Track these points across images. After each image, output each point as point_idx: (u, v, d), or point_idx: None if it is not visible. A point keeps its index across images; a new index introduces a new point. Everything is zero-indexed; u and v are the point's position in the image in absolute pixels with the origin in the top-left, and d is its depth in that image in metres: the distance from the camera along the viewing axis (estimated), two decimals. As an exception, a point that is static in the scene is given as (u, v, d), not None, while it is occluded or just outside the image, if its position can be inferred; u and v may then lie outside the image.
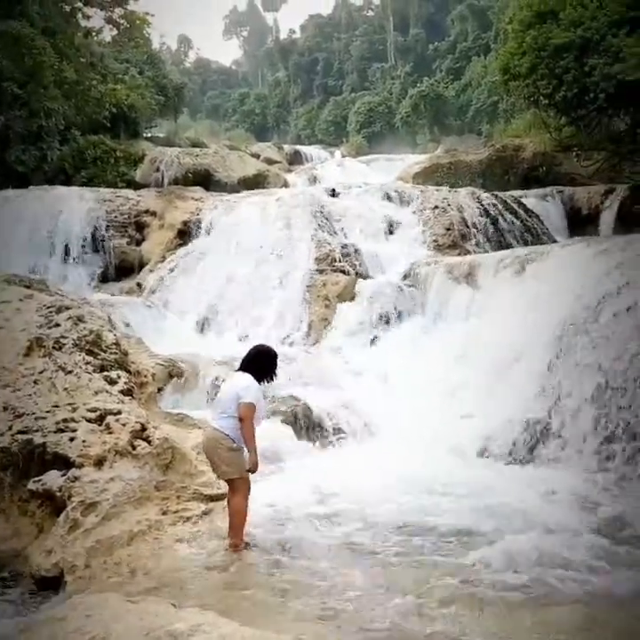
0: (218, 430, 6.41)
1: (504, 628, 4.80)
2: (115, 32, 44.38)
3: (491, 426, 9.86)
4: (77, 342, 8.80)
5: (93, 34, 39.53)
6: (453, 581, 5.61)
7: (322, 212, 17.07)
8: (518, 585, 5.51)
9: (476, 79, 57.29)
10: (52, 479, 6.90)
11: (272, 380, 6.83)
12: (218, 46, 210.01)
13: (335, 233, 16.62)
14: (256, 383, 6.54)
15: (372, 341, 13.66)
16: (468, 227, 16.73)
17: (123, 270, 17.38)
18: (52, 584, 6.13)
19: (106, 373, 8.53)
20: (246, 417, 6.31)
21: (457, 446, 9.79)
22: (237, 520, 6.32)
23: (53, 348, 8.65)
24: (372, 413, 10.98)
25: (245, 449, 6.36)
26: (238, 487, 6.38)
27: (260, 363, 6.71)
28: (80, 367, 8.46)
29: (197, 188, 20.79)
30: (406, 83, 66.81)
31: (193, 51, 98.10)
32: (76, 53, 32.21)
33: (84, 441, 7.17)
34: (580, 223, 21.93)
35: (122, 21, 43.82)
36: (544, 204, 21.82)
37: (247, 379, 6.54)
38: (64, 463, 7.10)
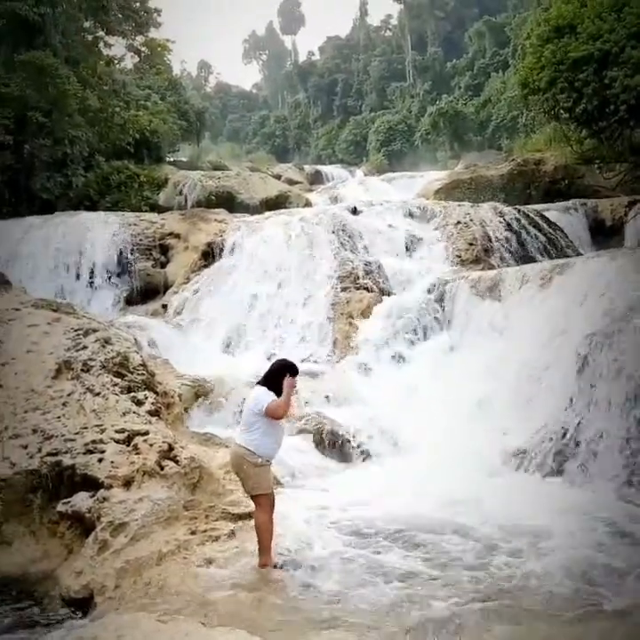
0: (242, 446, 6.36)
1: None
2: (136, 59, 45.29)
3: (520, 441, 9.77)
4: (105, 364, 8.89)
5: (115, 62, 40.30)
6: (493, 602, 5.50)
7: (344, 230, 17.07)
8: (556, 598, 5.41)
9: (495, 95, 57.32)
10: (81, 500, 6.95)
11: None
12: (238, 70, 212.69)
13: (357, 250, 16.61)
14: (264, 388, 6.50)
15: (397, 358, 13.58)
16: (490, 241, 16.65)
17: (148, 292, 17.52)
18: (82, 605, 6.15)
19: (133, 394, 8.61)
20: (275, 408, 6.32)
21: (486, 462, 9.70)
22: (264, 538, 6.25)
23: (81, 370, 8.76)
24: (399, 430, 10.95)
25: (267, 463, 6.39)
26: (261, 503, 6.34)
27: (272, 374, 6.65)
28: (108, 389, 8.54)
29: (220, 209, 20.93)
30: (425, 101, 67.08)
31: (213, 75, 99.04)
32: (99, 81, 32.79)
33: (112, 462, 7.22)
34: (605, 235, 21.77)
35: (143, 48, 44.65)
36: (567, 216, 21.70)
37: (256, 390, 6.58)
38: (93, 484, 7.16)
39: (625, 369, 8.83)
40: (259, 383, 6.68)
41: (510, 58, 56.68)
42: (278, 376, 6.57)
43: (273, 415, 6.37)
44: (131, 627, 4.03)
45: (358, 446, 10.34)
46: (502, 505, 8.02)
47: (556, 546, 6.49)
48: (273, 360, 7.29)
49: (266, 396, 6.43)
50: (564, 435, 9.05)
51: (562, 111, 19.72)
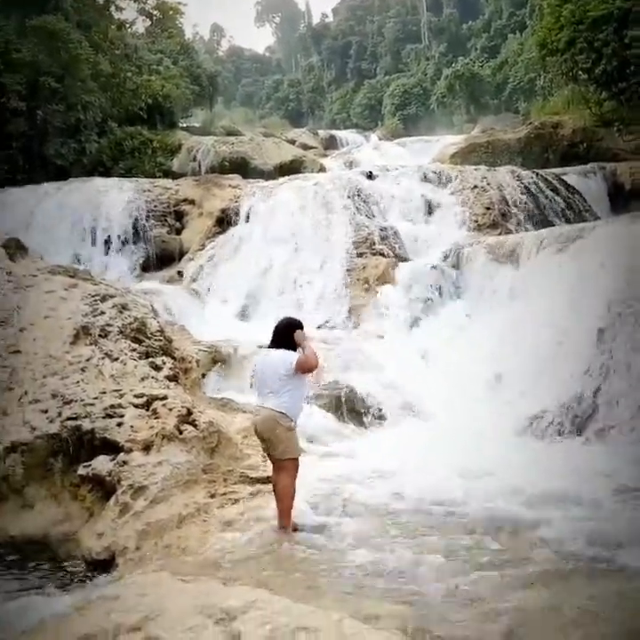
0: (274, 410, 6.22)
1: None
2: (148, 23, 44.89)
3: (537, 407, 9.75)
4: (122, 330, 8.93)
5: (127, 26, 39.94)
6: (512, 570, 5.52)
7: (359, 196, 16.97)
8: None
9: (512, 57, 56.37)
10: (102, 464, 7.02)
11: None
12: (250, 34, 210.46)
13: (373, 216, 16.52)
14: (281, 350, 6.41)
15: (414, 324, 13.56)
16: (508, 205, 16.49)
17: (163, 259, 17.52)
18: (103, 566, 6.24)
19: (151, 360, 8.65)
20: (305, 361, 6.25)
21: (504, 427, 9.70)
22: (286, 503, 6.22)
23: (99, 335, 8.79)
24: (416, 397, 10.95)
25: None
26: (289, 468, 6.26)
27: (285, 334, 6.50)
28: (126, 354, 8.58)
29: (235, 175, 20.79)
30: (441, 63, 66.09)
31: (225, 39, 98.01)
32: (111, 46, 32.58)
33: (131, 426, 7.27)
34: (623, 199, 21.49)
35: (154, 12, 44.26)
36: (585, 180, 21.37)
37: (275, 353, 6.43)
38: (112, 448, 7.22)
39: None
40: (271, 347, 6.55)
41: (527, 19, 55.62)
42: (288, 335, 6.46)
43: (307, 368, 6.29)
44: (153, 585, 4.09)
45: (376, 412, 10.35)
46: (521, 470, 8.01)
47: (578, 512, 6.47)
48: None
49: (290, 356, 6.33)
50: (583, 399, 9.02)
51: (581, 72, 19.43)
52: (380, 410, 10.46)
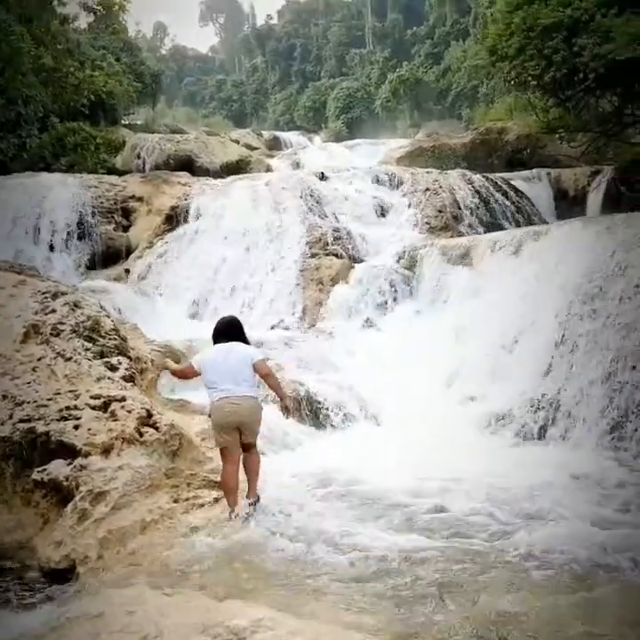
0: (252, 397, 6.63)
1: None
2: (91, 18, 43.94)
3: (496, 407, 9.75)
4: (75, 328, 8.57)
5: (70, 20, 38.99)
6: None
7: (312, 196, 16.82)
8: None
9: (455, 64, 57.09)
10: (58, 468, 6.69)
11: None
12: (194, 33, 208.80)
13: (326, 216, 16.38)
14: (242, 344, 6.92)
15: (369, 325, 13.46)
16: (459, 208, 16.56)
17: (109, 257, 16.99)
18: (62, 576, 5.92)
19: (106, 360, 8.31)
20: (270, 369, 6.91)
21: (461, 428, 9.66)
22: (255, 477, 6.73)
23: (51, 334, 8.42)
24: (373, 397, 10.81)
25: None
26: (255, 445, 6.77)
27: (241, 330, 7.08)
28: (79, 354, 8.24)
29: (184, 172, 20.38)
30: (385, 68, 66.46)
31: (168, 37, 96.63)
32: (53, 40, 31.71)
33: (89, 429, 6.96)
34: (567, 205, 21.88)
35: (98, 8, 43.31)
36: (531, 185, 21.72)
37: (244, 347, 6.92)
38: (69, 452, 6.89)
39: (607, 333, 8.83)
40: (224, 341, 6.91)
41: (471, 26, 56.42)
42: (238, 330, 7.04)
43: (266, 371, 6.83)
44: (138, 602, 3.80)
45: (333, 414, 10.19)
46: (482, 471, 7.97)
47: (548, 511, 6.43)
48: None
49: (251, 350, 6.95)
50: (544, 400, 9.03)
51: (530, 79, 19.54)
52: (338, 411, 10.30)
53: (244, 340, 7.00)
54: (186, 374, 7.19)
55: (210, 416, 6.87)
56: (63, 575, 5.90)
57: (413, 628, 3.98)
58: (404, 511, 6.74)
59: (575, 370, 8.96)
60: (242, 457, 6.71)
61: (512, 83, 21.61)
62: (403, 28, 70.79)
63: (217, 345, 6.94)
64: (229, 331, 7.00)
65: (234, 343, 6.84)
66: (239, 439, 6.59)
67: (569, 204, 21.90)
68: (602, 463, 7.80)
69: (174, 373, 7.36)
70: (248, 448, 6.70)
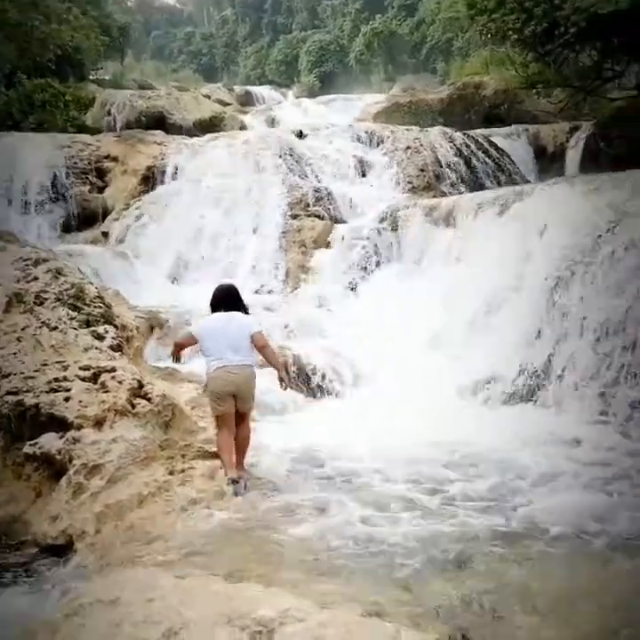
0: (249, 365, 6.59)
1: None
2: (55, -32, 42.45)
3: (483, 371, 9.71)
4: (59, 296, 8.40)
5: (32, -30, 37.61)
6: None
7: (291, 155, 16.56)
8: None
9: (429, 16, 56.15)
10: (50, 442, 6.58)
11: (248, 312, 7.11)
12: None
13: (306, 176, 16.16)
14: (239, 313, 6.85)
15: (352, 287, 13.38)
16: (441, 167, 16.41)
17: (85, 219, 16.60)
18: (59, 551, 5.85)
19: (93, 329, 8.17)
20: (266, 341, 6.81)
21: (449, 393, 9.64)
22: (246, 449, 6.69)
23: (34, 303, 8.24)
24: (359, 362, 10.76)
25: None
26: (248, 416, 6.77)
27: (239, 298, 6.97)
28: (65, 323, 8.08)
29: (158, 131, 19.92)
30: (357, 20, 65.24)
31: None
32: (16, -7, 30.60)
33: (80, 401, 6.84)
34: (546, 162, 21.78)
35: (62, -44, 41.84)
36: (511, 142, 21.57)
37: (243, 316, 6.84)
38: (60, 425, 6.77)
39: (596, 295, 8.81)
40: (223, 309, 6.80)
41: (445, -23, 55.39)
42: (236, 298, 6.93)
43: (263, 343, 6.72)
44: (154, 587, 3.71)
45: (321, 380, 10.14)
46: (473, 437, 7.95)
47: (538, 479, 6.46)
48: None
49: (250, 321, 6.85)
50: (533, 364, 9.04)
51: (510, 32, 19.25)
52: (325, 377, 10.25)
53: (243, 308, 6.96)
54: (185, 345, 7.05)
55: (206, 386, 6.82)
56: (60, 550, 5.83)
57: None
58: (410, 488, 6.64)
59: (564, 333, 8.95)
60: (236, 429, 6.64)
61: (490, 36, 21.29)
62: (375, -21, 69.45)
63: (215, 313, 6.86)
64: (227, 299, 6.90)
65: (233, 312, 6.79)
66: (234, 406, 6.57)
67: (548, 161, 21.82)
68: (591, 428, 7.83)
69: (179, 346, 7.07)
70: (242, 418, 6.67)
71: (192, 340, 6.86)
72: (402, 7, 63.13)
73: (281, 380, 6.83)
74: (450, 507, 6.08)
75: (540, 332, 9.29)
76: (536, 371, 8.97)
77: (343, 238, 14.25)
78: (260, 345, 6.66)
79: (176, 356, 7.13)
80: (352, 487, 6.56)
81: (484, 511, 5.93)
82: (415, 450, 7.61)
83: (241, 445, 6.62)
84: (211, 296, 7.01)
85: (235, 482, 6.24)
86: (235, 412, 6.58)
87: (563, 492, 6.16)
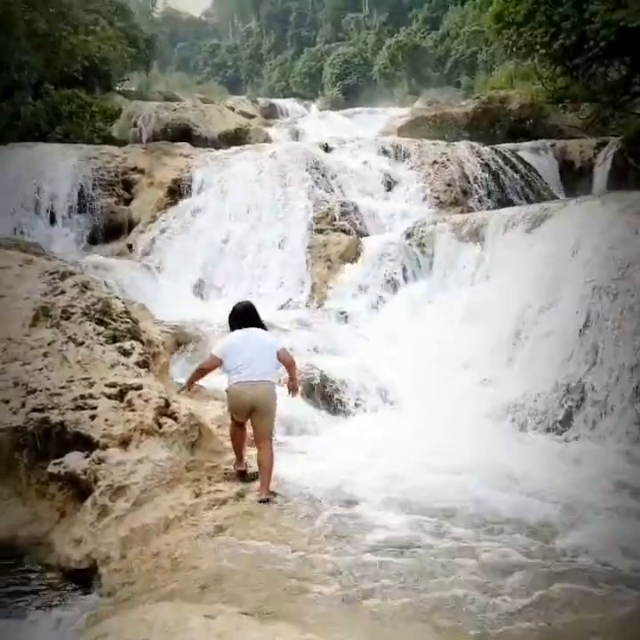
0: (270, 382, 6.65)
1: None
2: (82, -19, 42.89)
3: (515, 394, 9.50)
4: (86, 311, 8.29)
5: (61, -18, 37.96)
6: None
7: (317, 168, 16.44)
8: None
9: (454, 29, 56.20)
10: (75, 461, 6.46)
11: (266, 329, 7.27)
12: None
13: (332, 190, 16.04)
14: (263, 331, 7.06)
15: (379, 304, 13.19)
16: (469, 182, 16.22)
17: (111, 231, 16.61)
18: (83, 576, 5.72)
19: (119, 344, 8.05)
20: (293, 359, 7.01)
21: (479, 415, 9.42)
22: (271, 470, 6.55)
23: (61, 317, 8.14)
24: (388, 381, 10.56)
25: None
26: (270, 438, 6.70)
27: (257, 315, 7.09)
28: (91, 338, 7.97)
29: (184, 143, 19.92)
30: (382, 33, 65.46)
31: (161, 1, 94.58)
32: (45, 3, 30.86)
33: (106, 419, 6.72)
34: (573, 177, 21.53)
35: (90, -31, 42.25)
36: (537, 157, 21.36)
37: (266, 334, 7.06)
38: (86, 443, 6.66)
39: (632, 319, 8.58)
40: (243, 326, 6.92)
41: (470, -9, 55.34)
42: (255, 316, 7.07)
43: (290, 361, 6.90)
44: (185, 630, 3.55)
45: (348, 399, 9.96)
46: (506, 465, 7.72)
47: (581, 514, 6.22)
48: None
49: (274, 339, 7.17)
50: (567, 389, 8.80)
51: (538, 46, 19.09)
52: (353, 396, 10.07)
53: (261, 325, 7.07)
54: (211, 368, 6.96)
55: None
56: (84, 575, 5.70)
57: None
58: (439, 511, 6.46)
59: (600, 355, 8.72)
60: (256, 453, 6.71)
61: (518, 50, 21.13)
62: (400, -8, 69.59)
63: (235, 331, 6.93)
64: (246, 316, 7.02)
65: (252, 329, 6.90)
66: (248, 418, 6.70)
67: (575, 177, 21.57)
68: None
69: (202, 373, 7.09)
70: (260, 438, 6.64)
71: (216, 362, 6.83)
72: (426, 20, 63.26)
73: (294, 389, 7.03)
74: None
75: (572, 354, 9.05)
76: (570, 395, 8.73)
77: (369, 253, 14.09)
78: (287, 362, 6.85)
79: (189, 386, 7.24)
80: (382, 518, 6.35)
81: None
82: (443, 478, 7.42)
83: (264, 467, 6.55)
84: (229, 314, 7.14)
85: (242, 473, 6.68)
86: (254, 428, 6.67)
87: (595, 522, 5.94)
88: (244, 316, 7.01)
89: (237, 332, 6.89)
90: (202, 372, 7.07)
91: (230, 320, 7.12)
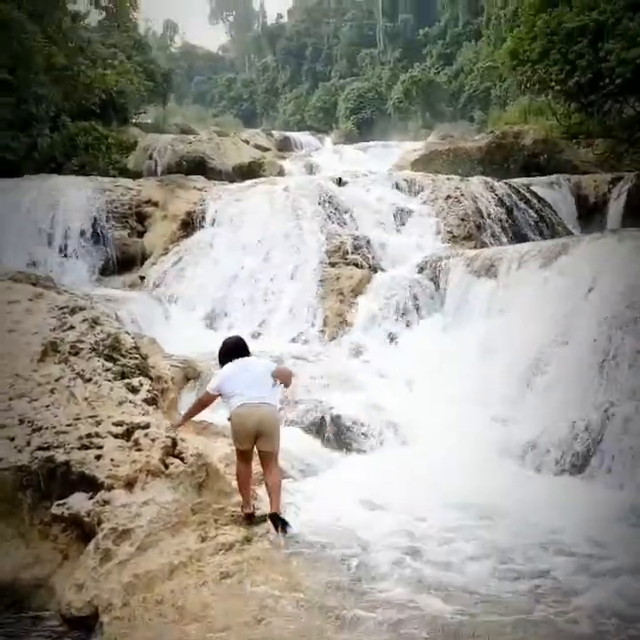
0: (273, 405, 6.68)
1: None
2: (102, 16, 43.64)
3: (529, 433, 9.30)
4: (95, 347, 8.21)
5: (80, 18, 38.62)
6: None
7: (330, 202, 16.40)
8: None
9: (467, 65, 56.70)
10: (79, 503, 6.31)
11: None
12: (204, 31, 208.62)
13: (345, 224, 15.97)
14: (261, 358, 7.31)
15: (392, 339, 13.04)
16: (482, 217, 16.13)
17: (124, 263, 16.60)
18: (84, 624, 5.54)
19: (127, 381, 7.94)
20: (289, 370, 7.27)
21: (496, 455, 9.22)
22: (279, 492, 6.55)
23: (69, 352, 8.07)
24: (400, 418, 10.38)
25: None
26: (276, 459, 6.69)
27: (248, 349, 7.15)
28: (99, 374, 7.87)
29: (199, 176, 20.02)
30: (396, 68, 66.12)
31: (178, 35, 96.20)
32: (65, 38, 31.36)
33: (112, 459, 6.57)
34: (587, 213, 21.39)
35: (109, 5, 43.01)
36: (552, 192, 21.20)
37: (258, 359, 7.22)
38: (90, 484, 6.50)
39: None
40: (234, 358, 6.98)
41: (483, 27, 55.87)
42: (245, 348, 7.15)
43: (289, 379, 6.95)
44: None
45: (360, 437, 9.77)
46: (522, 509, 7.53)
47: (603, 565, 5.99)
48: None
49: (267, 362, 7.21)
50: (584, 429, 8.59)
51: (553, 83, 19.15)
52: (365, 434, 9.89)
53: (248, 354, 7.15)
54: (207, 404, 7.07)
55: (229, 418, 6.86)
56: (85, 623, 5.52)
57: None
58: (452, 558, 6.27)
59: (617, 395, 8.52)
60: (264, 475, 6.72)
61: (533, 86, 21.22)
62: (414, 28, 70.35)
63: (227, 365, 6.97)
64: (237, 350, 7.09)
65: (245, 358, 7.00)
66: (253, 445, 6.63)
67: (589, 212, 21.38)
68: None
69: (198, 409, 7.22)
70: (266, 462, 6.64)
71: (211, 397, 6.92)
72: (440, 56, 63.85)
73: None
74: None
75: (589, 394, 8.85)
76: (587, 436, 8.51)
77: (382, 288, 13.97)
78: (284, 374, 6.92)
79: (183, 422, 7.40)
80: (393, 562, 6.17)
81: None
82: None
83: (272, 490, 6.53)
84: (219, 349, 7.21)
85: (249, 516, 6.49)
86: (260, 452, 6.65)
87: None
88: (234, 351, 7.08)
89: (229, 365, 6.94)
90: (197, 409, 7.17)
91: (220, 356, 7.19)
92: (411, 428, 10.26)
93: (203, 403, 7.05)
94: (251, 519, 6.54)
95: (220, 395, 6.83)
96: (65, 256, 16.38)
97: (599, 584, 5.58)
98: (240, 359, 6.92)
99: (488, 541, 6.64)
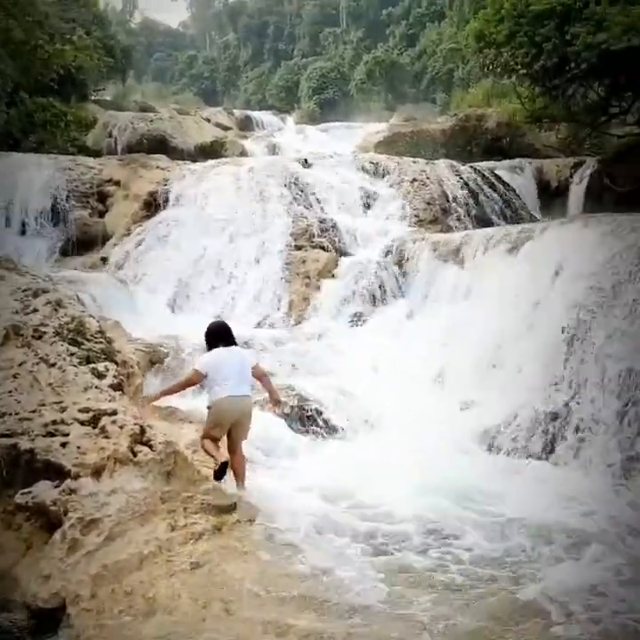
0: (249, 396, 7.13)
1: None
2: (61, -11, 42.50)
3: (496, 418, 9.35)
4: (59, 331, 7.98)
5: (38, -9, 37.54)
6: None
7: (296, 184, 16.26)
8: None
9: (430, 46, 56.64)
10: (45, 491, 6.12)
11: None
12: (164, 7, 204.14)
13: (311, 206, 15.85)
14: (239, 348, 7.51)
15: (358, 323, 13.01)
16: (448, 201, 16.13)
17: (85, 244, 16.24)
18: (50, 616, 5.40)
19: (93, 366, 7.74)
20: (265, 372, 7.61)
21: (460, 439, 9.26)
22: (244, 475, 7.09)
23: (33, 336, 7.82)
24: (367, 402, 10.36)
25: None
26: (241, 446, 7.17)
27: (232, 334, 7.43)
28: (64, 359, 7.65)
29: (161, 155, 19.64)
30: (359, 48, 65.83)
31: (138, 11, 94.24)
32: (22, 11, 30.46)
33: (78, 447, 6.39)
34: (549, 197, 21.56)
35: (68, -22, 41.88)
36: (514, 176, 21.33)
37: (242, 350, 7.61)
38: (56, 472, 6.32)
39: (618, 343, 8.46)
40: (221, 345, 7.26)
41: (447, 8, 55.85)
42: (230, 334, 7.41)
43: (263, 373, 7.48)
44: None
45: (327, 421, 9.72)
46: (485, 492, 7.58)
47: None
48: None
49: (249, 354, 7.79)
50: (550, 413, 8.65)
51: (519, 66, 19.15)
52: (332, 418, 9.84)
53: (234, 343, 7.43)
54: (193, 383, 7.38)
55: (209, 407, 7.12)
56: (52, 615, 5.39)
57: None
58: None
59: (583, 381, 8.59)
60: (230, 454, 7.08)
61: (498, 69, 21.20)
62: (377, 8, 69.98)
63: (219, 348, 7.24)
64: (224, 334, 7.37)
65: (233, 347, 7.30)
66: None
67: (551, 197, 21.60)
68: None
69: (182, 387, 7.59)
70: (235, 446, 7.09)
71: (199, 377, 7.15)
72: (403, 37, 63.71)
73: (277, 402, 7.71)
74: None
75: (555, 378, 8.92)
76: (552, 421, 8.58)
77: (348, 271, 13.91)
78: (260, 375, 7.35)
79: (160, 397, 7.85)
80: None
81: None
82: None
83: (238, 472, 7.07)
84: (205, 332, 7.46)
85: (225, 464, 6.81)
86: (230, 438, 7.07)
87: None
88: (221, 334, 7.36)
89: (220, 349, 7.20)
90: (181, 386, 7.56)
91: (208, 338, 7.41)
92: (376, 411, 10.24)
93: (190, 382, 7.35)
94: (225, 467, 6.82)
95: (203, 377, 7.10)
96: (23, 235, 15.98)
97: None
98: (227, 348, 7.21)
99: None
